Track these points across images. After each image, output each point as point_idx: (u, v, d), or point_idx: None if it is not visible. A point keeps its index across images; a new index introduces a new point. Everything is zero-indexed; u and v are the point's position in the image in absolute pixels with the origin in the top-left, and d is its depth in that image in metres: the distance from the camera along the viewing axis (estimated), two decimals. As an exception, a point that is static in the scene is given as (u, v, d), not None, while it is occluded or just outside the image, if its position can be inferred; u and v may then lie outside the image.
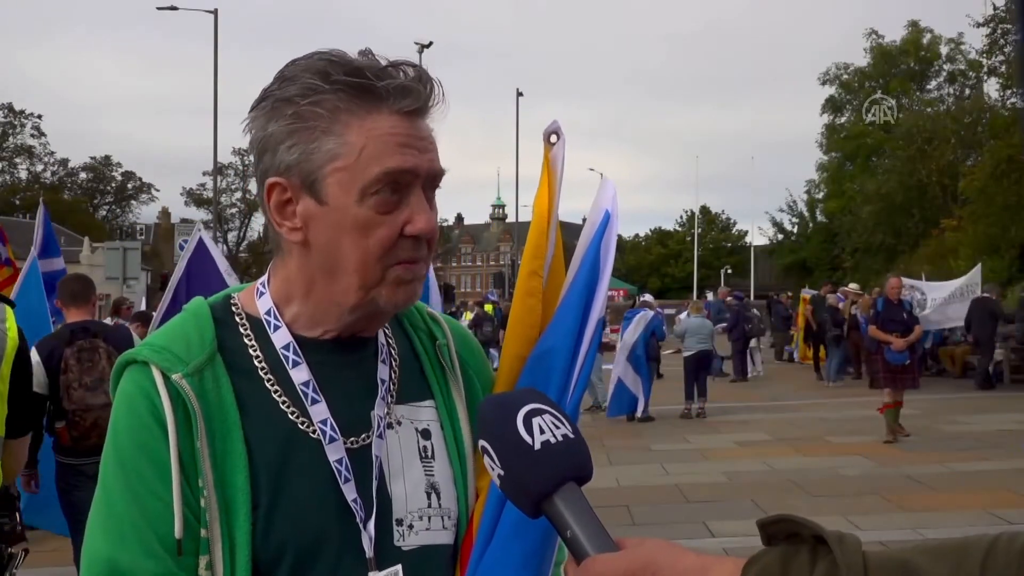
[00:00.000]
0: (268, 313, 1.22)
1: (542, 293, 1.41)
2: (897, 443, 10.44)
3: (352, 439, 1.19)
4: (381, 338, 1.28)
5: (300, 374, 1.19)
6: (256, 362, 1.19)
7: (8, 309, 3.14)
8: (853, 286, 18.80)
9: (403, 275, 1.16)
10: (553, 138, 1.41)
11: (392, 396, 1.25)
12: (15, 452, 3.18)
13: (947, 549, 0.80)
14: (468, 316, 21.83)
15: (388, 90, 1.12)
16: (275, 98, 1.15)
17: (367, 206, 1.12)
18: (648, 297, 15.37)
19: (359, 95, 1.12)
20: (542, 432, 0.95)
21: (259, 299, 1.24)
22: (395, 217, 1.14)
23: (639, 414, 12.86)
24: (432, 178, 1.18)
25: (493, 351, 18.36)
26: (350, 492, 1.16)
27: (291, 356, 1.19)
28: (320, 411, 1.17)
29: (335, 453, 1.16)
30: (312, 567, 1.14)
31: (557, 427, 0.96)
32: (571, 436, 0.96)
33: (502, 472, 0.95)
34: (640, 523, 7.17)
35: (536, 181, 1.46)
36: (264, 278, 1.26)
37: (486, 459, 0.98)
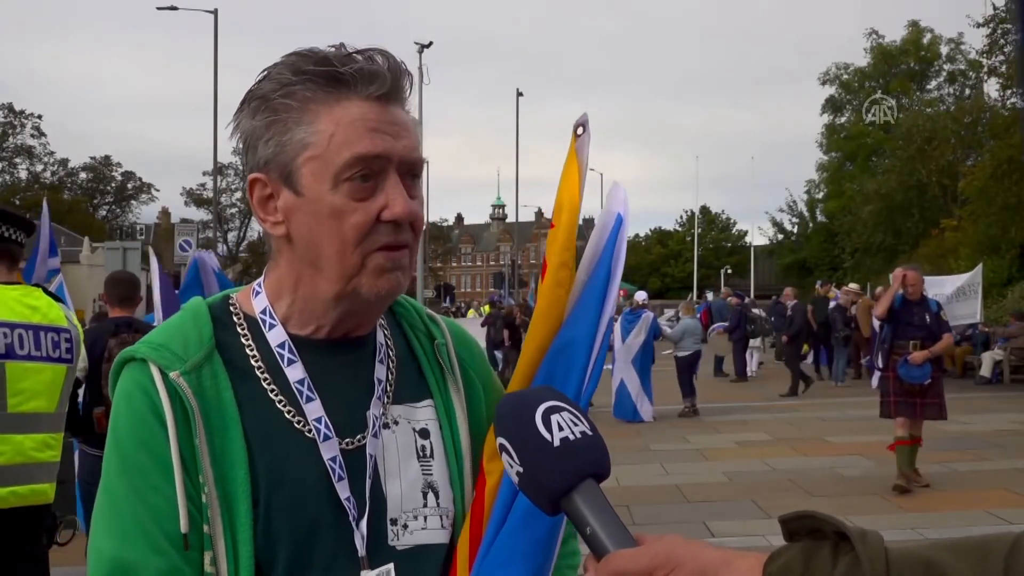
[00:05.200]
0: (264, 312, 1.23)
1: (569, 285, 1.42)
2: (913, 493, 7.89)
3: (348, 439, 1.19)
4: (380, 338, 1.28)
5: (295, 372, 1.19)
6: (252, 361, 1.20)
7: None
8: (853, 286, 18.73)
9: (384, 263, 1.16)
10: (580, 130, 1.41)
11: (388, 396, 1.25)
12: None
13: (969, 546, 0.80)
14: (486, 309, 21.95)
15: (353, 75, 1.13)
16: (252, 97, 1.17)
17: (341, 193, 1.13)
18: (641, 296, 15.09)
19: (327, 84, 1.14)
20: (561, 429, 0.95)
21: (255, 299, 1.25)
22: (370, 203, 1.14)
23: (648, 419, 12.90)
24: (409, 165, 1.17)
25: (497, 352, 18.26)
26: (343, 490, 1.16)
27: (286, 355, 1.20)
28: (314, 409, 1.18)
29: (329, 451, 1.17)
30: (307, 564, 1.14)
31: (575, 424, 0.97)
32: (589, 433, 0.97)
33: (521, 469, 0.95)
34: (640, 523, 7.16)
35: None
36: (261, 278, 1.28)
37: (504, 457, 0.98)
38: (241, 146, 1.19)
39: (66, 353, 3.25)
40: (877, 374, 8.63)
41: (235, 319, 1.24)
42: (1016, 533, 0.80)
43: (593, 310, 1.40)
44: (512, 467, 0.97)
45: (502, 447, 0.98)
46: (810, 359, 20.44)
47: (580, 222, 1.49)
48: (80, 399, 4.98)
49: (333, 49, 1.16)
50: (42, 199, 10.22)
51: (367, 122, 1.14)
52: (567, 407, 0.98)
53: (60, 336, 3.21)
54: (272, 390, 1.18)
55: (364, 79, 1.14)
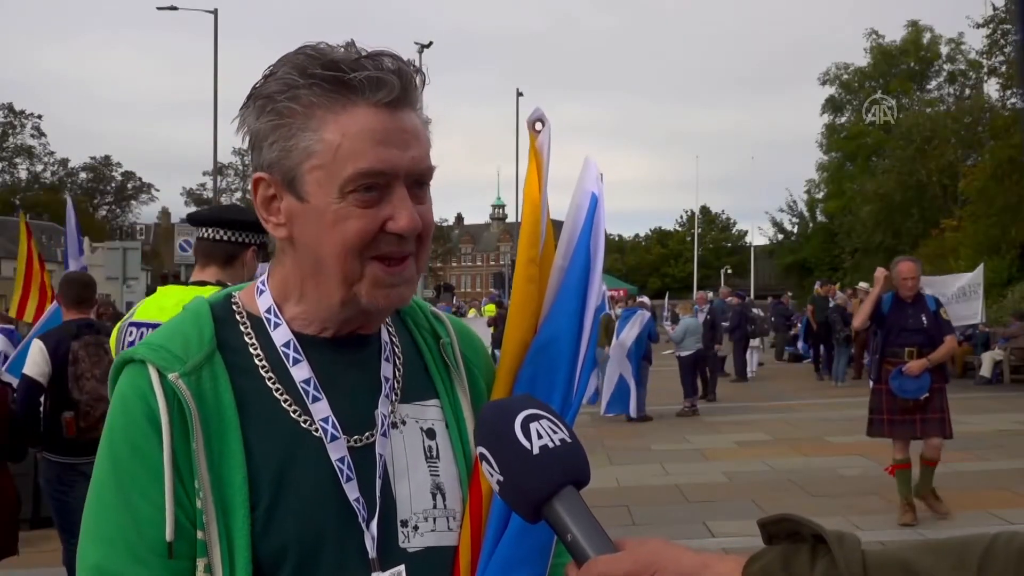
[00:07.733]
0: (268, 311, 1.21)
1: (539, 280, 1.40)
2: (917, 525, 6.74)
3: (356, 437, 1.17)
4: (384, 336, 1.27)
5: (301, 372, 1.17)
6: (257, 360, 1.18)
7: None
8: (863, 285, 18.64)
9: (382, 276, 1.14)
10: (538, 126, 1.39)
11: (397, 394, 1.24)
12: None
13: (946, 547, 0.81)
14: (488, 309, 22.00)
15: (362, 82, 1.10)
16: (258, 95, 1.15)
17: (347, 203, 1.11)
18: (644, 298, 15.38)
19: (334, 89, 1.10)
20: (540, 437, 0.95)
21: (259, 297, 1.23)
22: (376, 212, 1.12)
23: (632, 414, 12.96)
24: (418, 175, 1.15)
25: (497, 352, 18.33)
26: (352, 491, 1.14)
27: (291, 354, 1.18)
28: (321, 409, 1.16)
29: (337, 452, 1.15)
30: (314, 568, 1.12)
31: (555, 432, 0.97)
32: (568, 441, 0.97)
33: (501, 478, 0.96)
34: (640, 523, 7.17)
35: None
36: (264, 276, 1.26)
37: (484, 466, 0.98)
38: (247, 144, 1.18)
39: None
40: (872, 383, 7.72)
41: (238, 318, 1.22)
42: (992, 534, 0.81)
43: (574, 303, 1.36)
44: (492, 476, 0.97)
45: (482, 456, 0.98)
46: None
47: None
48: (41, 407, 4.76)
49: (343, 49, 1.12)
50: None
51: (374, 133, 1.11)
52: (546, 415, 0.98)
53: None
54: (277, 389, 1.17)
55: (372, 85, 1.10)
